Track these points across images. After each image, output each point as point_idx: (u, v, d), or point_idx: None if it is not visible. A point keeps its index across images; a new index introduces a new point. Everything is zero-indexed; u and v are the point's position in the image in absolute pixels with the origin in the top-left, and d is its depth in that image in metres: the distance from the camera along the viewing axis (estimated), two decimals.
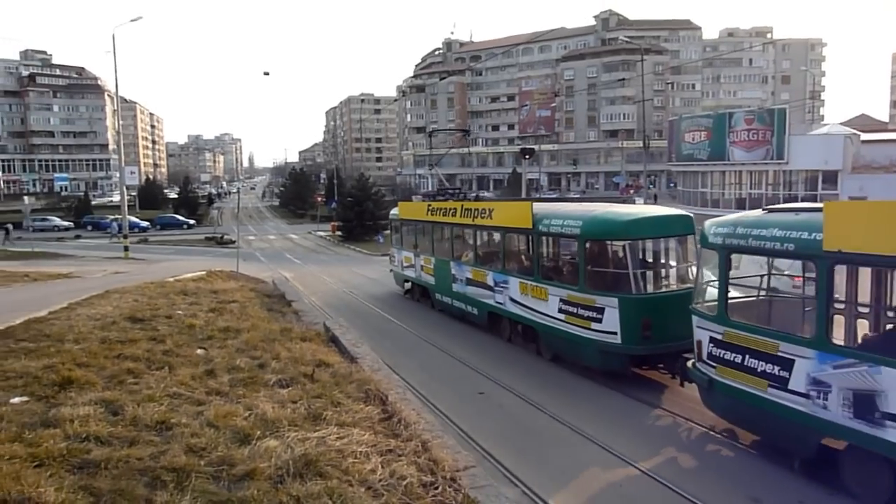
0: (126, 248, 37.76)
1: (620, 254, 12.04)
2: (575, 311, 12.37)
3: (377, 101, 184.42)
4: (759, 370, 7.66)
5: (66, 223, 64.24)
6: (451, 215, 18.00)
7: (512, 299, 14.63)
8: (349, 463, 6.33)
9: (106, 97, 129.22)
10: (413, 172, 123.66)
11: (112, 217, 61.41)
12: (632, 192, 48.48)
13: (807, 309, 7.37)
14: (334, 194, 71.01)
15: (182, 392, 8.17)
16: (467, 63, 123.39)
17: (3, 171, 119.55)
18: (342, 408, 7.97)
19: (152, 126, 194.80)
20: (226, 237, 50.97)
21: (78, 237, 55.30)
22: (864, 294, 7.48)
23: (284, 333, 12.00)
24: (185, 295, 16.67)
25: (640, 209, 13.43)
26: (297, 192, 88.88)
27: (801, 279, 8.02)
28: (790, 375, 7.22)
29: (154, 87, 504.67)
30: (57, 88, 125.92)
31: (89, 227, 62.17)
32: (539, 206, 14.36)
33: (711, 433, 8.69)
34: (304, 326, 13.11)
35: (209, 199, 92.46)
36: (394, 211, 23.09)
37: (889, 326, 7.21)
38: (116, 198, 79.61)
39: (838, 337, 7.01)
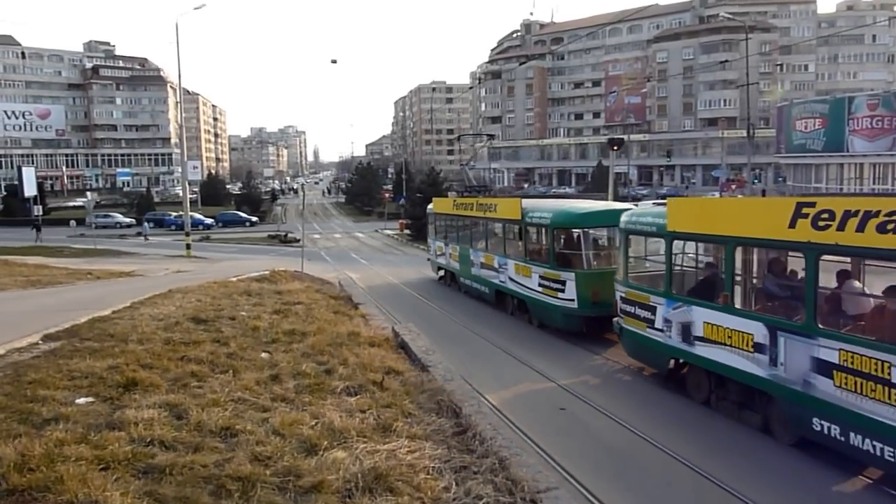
0: (188, 246, 39.15)
1: (576, 239, 17.09)
2: (548, 284, 17.42)
3: (449, 89, 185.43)
4: (641, 316, 12.45)
5: (128, 220, 67.16)
6: (469, 210, 23.09)
7: (510, 278, 19.57)
8: (421, 479, 6.35)
9: (168, 89, 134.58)
10: (487, 166, 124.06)
11: (175, 214, 63.57)
12: (734, 187, 46.53)
13: (663, 272, 12.07)
14: (403, 190, 71.81)
15: (247, 397, 8.36)
16: (548, 46, 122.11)
17: (67, 167, 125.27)
18: (413, 419, 8.03)
19: (215, 119, 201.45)
20: (290, 235, 52.28)
21: (140, 234, 57.42)
22: (690, 259, 12.21)
23: (352, 338, 12.19)
24: (249, 295, 17.11)
25: (597, 205, 18.63)
26: (363, 187, 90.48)
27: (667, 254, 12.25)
28: (655, 317, 11.90)
29: (217, 78, 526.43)
30: (120, 80, 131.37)
31: (150, 225, 65.04)
32: (527, 202, 19.59)
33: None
34: (371, 331, 13.31)
35: (272, 195, 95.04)
36: (430, 206, 28.77)
37: (700, 279, 11.66)
38: (179, 192, 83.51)
39: (676, 289, 11.64)
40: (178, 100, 43.15)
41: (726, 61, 73.10)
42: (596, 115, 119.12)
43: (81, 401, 7.87)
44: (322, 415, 7.84)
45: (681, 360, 11.88)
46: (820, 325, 8.79)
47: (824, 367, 8.61)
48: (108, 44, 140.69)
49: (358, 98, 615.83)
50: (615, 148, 34.96)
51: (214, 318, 13.27)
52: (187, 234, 39.53)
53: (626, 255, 13.55)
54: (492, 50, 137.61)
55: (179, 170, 66.06)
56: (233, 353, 10.53)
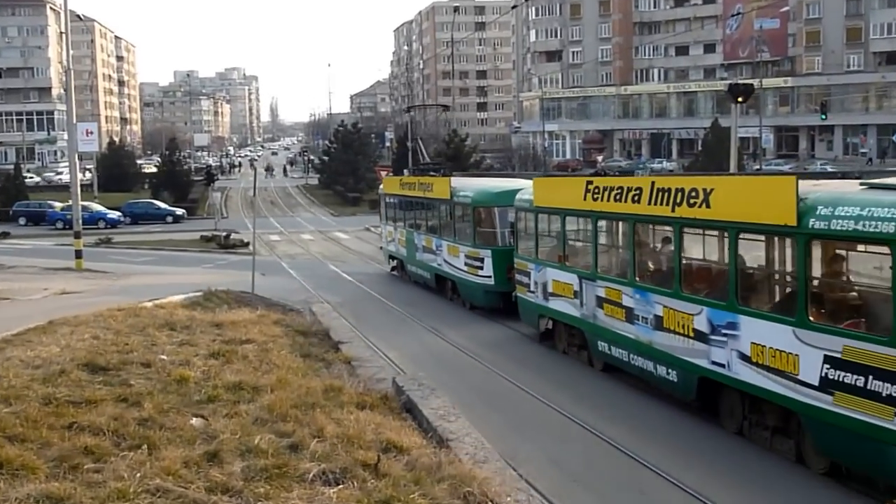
0: (79, 254, 38.25)
1: (493, 217, 26.27)
2: (471, 262, 26.60)
3: (480, 9, 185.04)
4: (523, 282, 22.11)
5: None
6: (413, 190, 32.57)
7: (445, 261, 28.75)
8: None
9: (48, 12, 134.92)
10: (539, 128, 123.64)
11: (61, 205, 63.25)
12: None
13: (543, 244, 21.78)
14: (408, 164, 71.05)
15: (170, 487, 8.38)
16: None
17: None
18: None
19: (119, 58, 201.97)
20: (233, 237, 52.17)
21: (6, 235, 57.76)
22: (552, 230, 21.09)
23: (331, 395, 12.28)
24: (173, 330, 17.18)
25: (516, 183, 27.31)
26: (347, 161, 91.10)
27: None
28: (529, 281, 21.59)
29: (123, 3, 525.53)
30: None
31: (22, 221, 65.11)
32: (457, 181, 29.68)
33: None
34: (361, 384, 13.35)
35: (208, 174, 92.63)
36: (382, 186, 39.29)
37: (552, 245, 20.99)
38: (65, 172, 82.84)
39: (541, 255, 21.22)
40: (64, 28, 43.26)
41: None
42: (709, 48, 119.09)
43: None
44: None
45: (548, 318, 21.55)
46: (599, 272, 18.52)
47: (600, 302, 18.16)
48: None
49: (338, 26, 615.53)
50: (739, 100, 34.62)
51: (120, 364, 13.34)
52: (78, 236, 38.78)
53: (516, 230, 23.79)
54: None
55: (65, 137, 66.13)
56: (148, 418, 10.61)
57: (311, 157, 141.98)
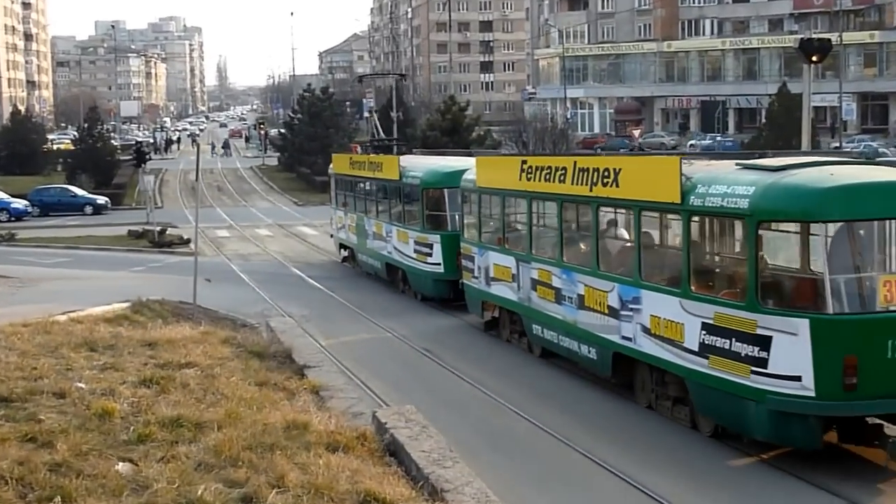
0: None
1: (443, 199, 29.57)
2: (420, 249, 30.05)
3: None
4: (468, 268, 26.58)
5: None
6: (362, 169, 36.32)
7: (395, 248, 32.21)
8: None
9: None
10: (559, 94, 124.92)
11: None
12: None
13: (487, 228, 26.60)
14: (393, 138, 73.06)
15: None
16: None
17: None
18: None
19: (26, 5, 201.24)
20: (170, 232, 52.55)
21: None
22: (494, 212, 25.41)
23: (294, 434, 12.40)
24: (93, 350, 17.22)
25: (467, 162, 28.56)
26: (314, 136, 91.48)
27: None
28: (473, 266, 25.98)
29: None
30: None
31: None
32: (406, 160, 33.18)
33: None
34: (332, 420, 13.50)
35: (138, 153, 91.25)
36: (331, 165, 42.87)
37: (495, 228, 25.25)
38: None
39: (484, 238, 25.79)
40: None
41: None
42: None
43: None
44: None
45: (493, 305, 25.30)
46: (533, 254, 22.41)
47: (534, 284, 22.01)
48: None
49: None
50: (814, 59, 34.41)
51: (26, 394, 13.37)
52: None
53: (462, 212, 27.59)
54: None
55: None
56: (62, 462, 10.60)
57: (267, 131, 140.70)
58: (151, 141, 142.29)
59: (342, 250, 41.05)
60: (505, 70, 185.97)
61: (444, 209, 29.63)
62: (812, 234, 15.39)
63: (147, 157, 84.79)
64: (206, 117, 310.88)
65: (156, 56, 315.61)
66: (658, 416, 17.53)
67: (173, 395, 14.25)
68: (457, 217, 28.76)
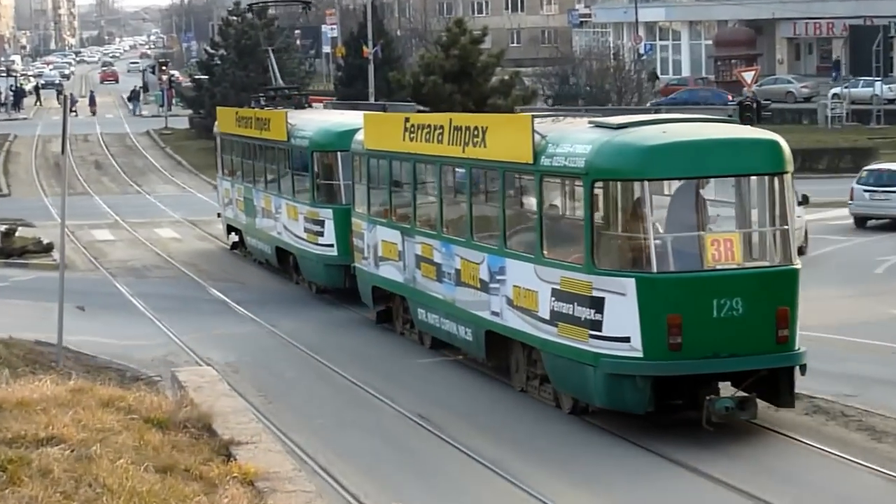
0: None
1: (336, 165, 33.59)
2: (310, 227, 33.34)
3: None
4: (358, 247, 31.77)
5: None
6: (248, 128, 38.62)
7: (285, 227, 34.88)
8: None
9: None
10: (627, 17, 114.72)
11: None
12: None
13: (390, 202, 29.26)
14: (369, 89, 72.90)
15: None
16: None
17: None
18: None
19: None
20: (20, 234, 47.87)
21: None
22: (382, 178, 30.29)
23: None
24: None
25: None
26: (245, 83, 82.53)
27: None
28: (363, 244, 31.17)
29: None
30: None
31: None
32: (294, 116, 36.46)
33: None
34: None
35: None
36: (217, 123, 44.90)
37: (383, 197, 29.58)
38: None
39: (373, 211, 30.78)
40: None
41: None
42: None
43: None
44: None
45: (385, 292, 28.62)
46: (417, 226, 26.61)
47: (418, 261, 26.49)
48: None
49: None
50: None
51: None
52: None
53: (353, 181, 29.66)
54: None
55: None
56: None
57: (176, 77, 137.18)
58: None
59: (230, 234, 44.13)
60: None
61: (337, 177, 32.93)
62: (637, 193, 19.63)
63: None
64: (76, 56, 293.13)
65: None
66: (530, 400, 22.39)
67: (27, 488, 12.70)
68: (350, 187, 31.05)
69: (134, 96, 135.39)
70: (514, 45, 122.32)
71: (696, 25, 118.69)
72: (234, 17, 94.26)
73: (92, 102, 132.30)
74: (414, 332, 27.00)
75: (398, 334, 27.94)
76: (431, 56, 64.88)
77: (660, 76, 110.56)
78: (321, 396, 25.94)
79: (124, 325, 32.53)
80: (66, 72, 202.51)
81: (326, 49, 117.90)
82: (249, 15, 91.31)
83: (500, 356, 22.42)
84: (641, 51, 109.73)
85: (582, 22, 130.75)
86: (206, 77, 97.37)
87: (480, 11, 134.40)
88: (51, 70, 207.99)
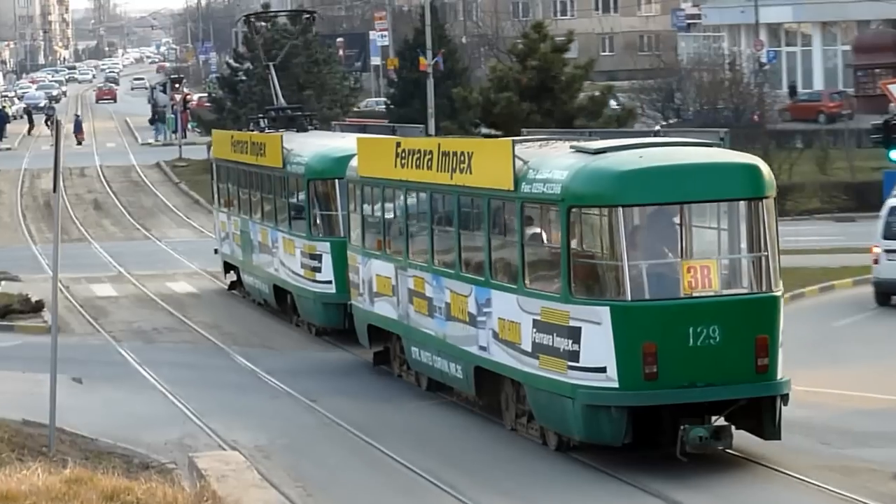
0: None
1: (334, 193, 37.29)
2: (307, 262, 37.03)
3: None
4: (354, 282, 36.32)
5: None
6: (244, 153, 43.43)
7: (281, 262, 38.87)
8: None
9: None
10: (745, 18, 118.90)
11: None
12: None
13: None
14: (427, 108, 73.03)
15: None
16: None
17: None
18: None
19: None
20: (4, 289, 49.21)
21: None
22: (376, 208, 34.67)
23: None
24: None
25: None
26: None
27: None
28: (359, 279, 35.76)
29: None
30: None
31: None
32: (290, 140, 41.12)
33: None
34: None
35: None
36: (212, 146, 47.82)
37: (375, 230, 34.11)
38: None
39: (368, 242, 35.87)
40: None
41: None
42: None
43: None
44: None
45: (381, 331, 31.54)
46: (410, 258, 29.78)
47: (411, 296, 29.63)
48: None
49: None
50: None
51: None
52: None
53: (348, 211, 32.17)
54: None
55: None
56: None
57: (192, 98, 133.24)
58: None
59: (228, 273, 46.38)
60: None
61: (335, 207, 34.61)
62: (611, 219, 22.31)
63: None
64: (69, 72, 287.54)
65: None
66: (520, 439, 23.96)
67: None
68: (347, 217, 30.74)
69: (159, 118, 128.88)
70: (606, 53, 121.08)
71: (830, 27, 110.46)
72: (263, 24, 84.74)
73: (78, 129, 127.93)
74: (410, 373, 29.57)
75: (396, 376, 30.64)
76: (505, 68, 64.41)
77: (785, 89, 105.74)
78: (369, 487, 24.89)
79: (130, 400, 32.22)
80: (55, 92, 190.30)
81: (376, 60, 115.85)
82: (283, 20, 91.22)
83: (489, 393, 25.15)
84: (763, 59, 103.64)
85: (689, 24, 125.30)
86: (228, 95, 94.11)
87: (564, 13, 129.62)
88: (36, 90, 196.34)
